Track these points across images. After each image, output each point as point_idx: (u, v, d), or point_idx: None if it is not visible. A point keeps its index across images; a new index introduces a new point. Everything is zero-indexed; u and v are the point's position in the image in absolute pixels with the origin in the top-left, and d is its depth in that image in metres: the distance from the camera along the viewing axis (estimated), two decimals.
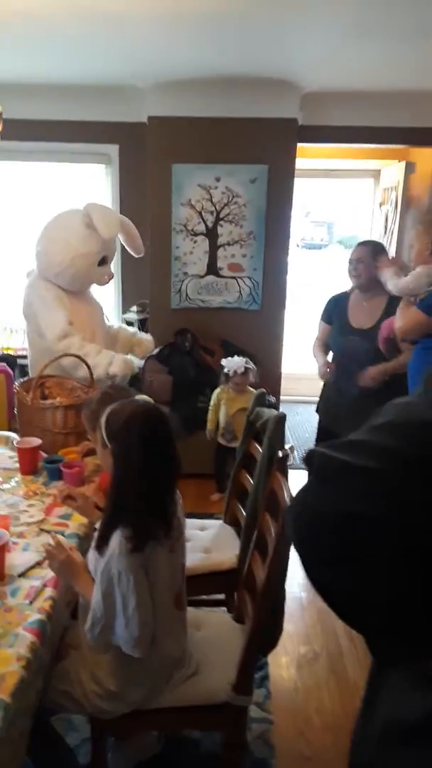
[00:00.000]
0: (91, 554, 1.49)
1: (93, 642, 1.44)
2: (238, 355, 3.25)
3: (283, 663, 2.27)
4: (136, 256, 3.09)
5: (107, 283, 2.96)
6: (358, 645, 2.36)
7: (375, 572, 0.53)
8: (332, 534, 0.56)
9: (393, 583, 0.53)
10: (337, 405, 2.96)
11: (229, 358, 3.19)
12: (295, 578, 2.82)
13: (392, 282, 2.37)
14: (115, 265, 3.97)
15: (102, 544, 1.40)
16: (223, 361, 3.20)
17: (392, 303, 2.72)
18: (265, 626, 1.61)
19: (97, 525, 1.62)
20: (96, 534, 1.45)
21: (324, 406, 3.10)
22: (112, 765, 1.79)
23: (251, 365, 3.15)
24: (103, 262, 2.87)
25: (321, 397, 3.11)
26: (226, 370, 3.16)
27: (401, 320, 2.27)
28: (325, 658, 2.30)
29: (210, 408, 3.27)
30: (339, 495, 0.56)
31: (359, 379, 2.76)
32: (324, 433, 3.14)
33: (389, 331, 2.53)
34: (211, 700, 1.57)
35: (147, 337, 3.24)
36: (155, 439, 1.41)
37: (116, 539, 1.37)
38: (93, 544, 1.47)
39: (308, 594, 2.71)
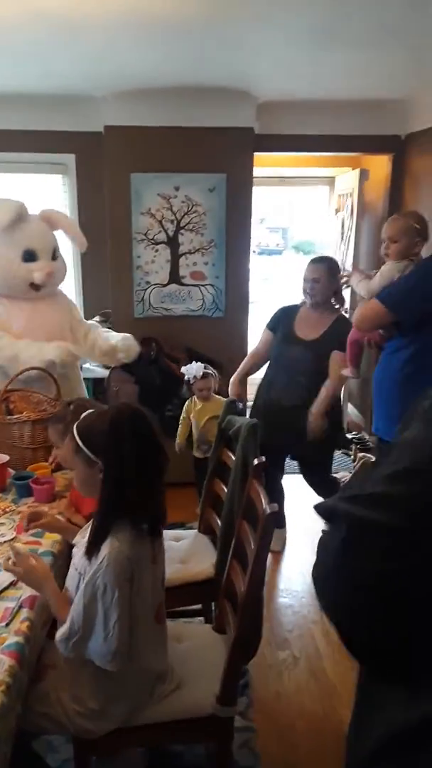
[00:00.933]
0: (78, 559, 1.46)
1: (65, 653, 1.41)
2: (202, 362, 3.23)
3: (263, 669, 2.26)
4: (79, 249, 3.01)
5: (46, 280, 2.69)
6: (336, 646, 2.38)
7: (420, 623, 0.54)
8: (372, 596, 0.56)
9: None
10: (272, 414, 2.88)
11: (188, 366, 3.14)
12: (272, 584, 2.83)
13: (362, 285, 2.39)
14: (74, 274, 3.94)
15: (93, 550, 1.37)
16: (183, 369, 3.17)
17: (338, 320, 2.79)
18: (247, 634, 1.60)
19: (76, 540, 1.59)
20: (87, 540, 1.41)
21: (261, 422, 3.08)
22: None
23: (211, 370, 3.10)
24: (31, 257, 2.68)
25: (253, 408, 3.07)
26: (186, 377, 3.14)
27: (359, 311, 2.31)
28: (304, 662, 2.31)
29: (180, 422, 3.21)
30: (374, 557, 0.56)
31: (309, 433, 2.76)
32: (265, 449, 3.10)
33: (356, 337, 2.55)
34: (196, 713, 1.55)
35: (127, 342, 2.98)
36: (144, 434, 1.41)
37: (107, 547, 1.35)
38: (82, 550, 1.44)
39: (285, 599, 2.72)
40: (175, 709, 1.54)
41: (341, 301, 2.92)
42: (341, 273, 2.83)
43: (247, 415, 2.99)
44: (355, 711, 0.77)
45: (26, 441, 2.22)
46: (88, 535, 1.46)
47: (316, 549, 0.64)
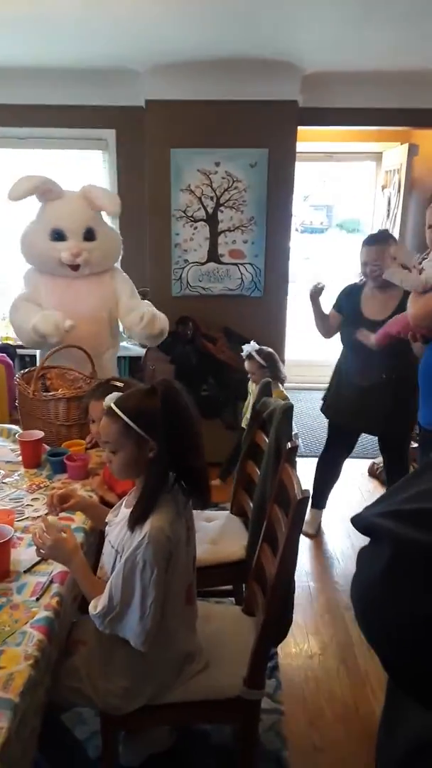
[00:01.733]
0: (115, 536, 1.47)
1: (101, 628, 1.42)
2: (242, 343, 3.17)
3: (293, 653, 2.25)
4: (110, 216, 2.92)
5: (73, 260, 2.62)
6: None
7: None
8: (420, 626, 0.50)
9: None
10: (349, 396, 2.92)
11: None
12: (303, 568, 2.80)
13: (410, 281, 2.18)
14: None
15: (135, 525, 1.38)
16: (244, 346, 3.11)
17: (407, 297, 2.66)
18: (275, 618, 1.58)
19: (108, 519, 1.59)
20: (131, 511, 1.41)
21: (332, 401, 3.06)
22: (123, 758, 1.78)
23: (257, 356, 3.02)
24: (59, 237, 2.64)
25: (329, 391, 3.07)
26: (243, 354, 3.09)
27: (414, 307, 2.14)
28: (334, 648, 2.28)
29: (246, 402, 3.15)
30: (423, 584, 0.50)
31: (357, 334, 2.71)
32: (334, 429, 3.09)
33: (400, 328, 2.43)
34: (222, 694, 1.55)
35: (153, 315, 2.79)
36: (190, 409, 1.43)
37: (148, 525, 1.35)
38: (117, 527, 1.46)
39: (317, 584, 2.69)
40: (202, 690, 1.54)
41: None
42: (390, 253, 2.67)
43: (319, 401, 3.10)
44: (384, 711, 0.74)
45: (61, 418, 2.23)
46: (123, 511, 1.47)
47: (356, 564, 0.60)
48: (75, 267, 2.67)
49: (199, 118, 3.51)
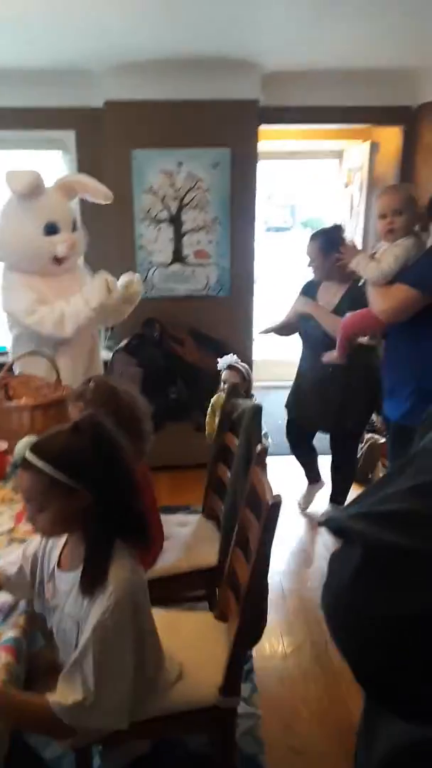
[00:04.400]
0: (70, 605, 1.27)
1: (75, 723, 1.21)
2: (209, 345, 3.16)
3: (267, 655, 2.25)
4: (104, 202, 2.88)
5: (68, 252, 2.64)
6: None
7: None
8: (386, 628, 0.49)
9: None
10: (303, 390, 2.99)
11: (224, 357, 3.07)
12: (276, 568, 2.80)
13: (371, 269, 2.14)
14: None
15: (95, 587, 1.20)
16: (219, 360, 3.09)
17: (353, 290, 2.68)
18: (250, 624, 1.57)
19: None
20: (82, 576, 1.22)
21: (293, 397, 3.09)
22: None
23: (241, 366, 3.01)
24: (53, 230, 2.63)
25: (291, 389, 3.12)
26: (219, 367, 3.06)
27: (385, 301, 2.08)
28: (309, 648, 2.29)
29: (207, 415, 3.05)
30: (392, 584, 0.48)
31: (323, 357, 2.72)
32: (296, 425, 3.11)
33: (364, 327, 2.44)
34: (198, 704, 1.53)
35: (130, 279, 2.88)
36: (121, 443, 1.27)
37: (113, 580, 1.20)
38: (73, 587, 1.26)
39: (290, 584, 2.69)
40: (177, 701, 1.51)
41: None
42: (343, 245, 2.65)
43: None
44: (362, 721, 0.73)
45: (25, 427, 2.17)
46: (62, 576, 1.30)
47: (327, 569, 0.58)
48: (60, 260, 2.66)
49: (159, 119, 3.48)
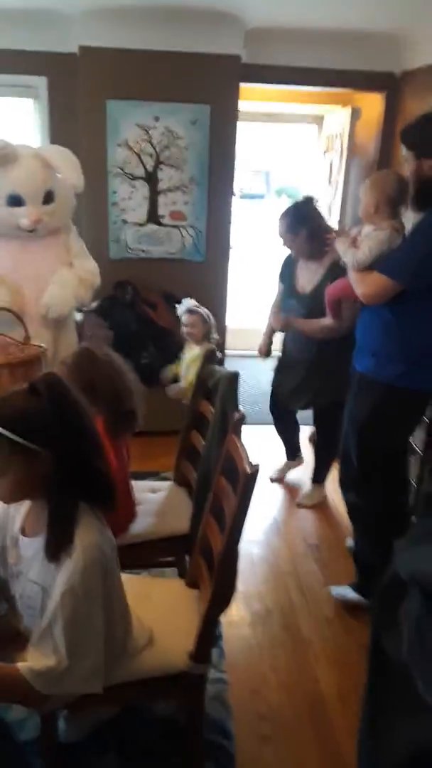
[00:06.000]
0: (36, 571, 1.25)
1: (47, 690, 1.19)
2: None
3: (236, 622, 2.25)
4: (74, 191, 2.80)
5: (33, 226, 2.59)
6: (310, 600, 2.37)
7: None
8: None
9: None
10: (287, 368, 2.94)
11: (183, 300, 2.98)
12: (246, 535, 2.79)
13: (348, 257, 2.12)
14: None
15: (60, 552, 1.18)
16: (178, 306, 3.01)
17: (333, 268, 2.61)
18: (222, 592, 1.55)
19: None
20: (47, 541, 1.19)
21: (278, 377, 3.05)
22: (64, 735, 1.72)
23: (203, 311, 2.92)
24: (16, 202, 2.56)
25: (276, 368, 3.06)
26: (178, 312, 2.98)
27: (365, 287, 2.10)
28: (278, 615, 2.29)
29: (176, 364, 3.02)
30: None
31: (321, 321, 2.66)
32: (279, 401, 3.07)
33: (338, 293, 2.43)
34: (168, 670, 1.51)
35: (88, 267, 2.89)
36: (80, 401, 1.22)
37: (79, 544, 1.17)
38: (38, 552, 1.23)
39: (259, 551, 2.69)
40: (146, 667, 1.49)
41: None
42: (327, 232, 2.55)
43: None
44: (366, 719, 0.70)
45: None
46: (26, 541, 1.27)
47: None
48: (31, 230, 2.61)
49: (136, 69, 3.32)
